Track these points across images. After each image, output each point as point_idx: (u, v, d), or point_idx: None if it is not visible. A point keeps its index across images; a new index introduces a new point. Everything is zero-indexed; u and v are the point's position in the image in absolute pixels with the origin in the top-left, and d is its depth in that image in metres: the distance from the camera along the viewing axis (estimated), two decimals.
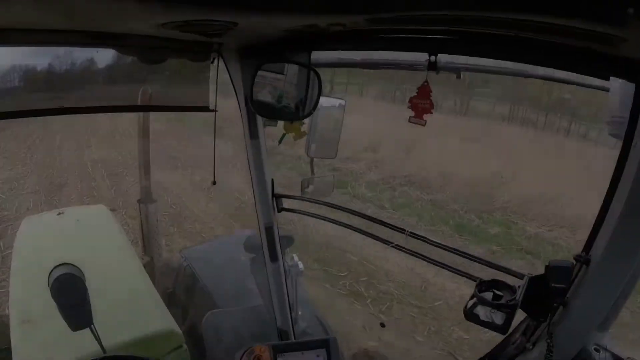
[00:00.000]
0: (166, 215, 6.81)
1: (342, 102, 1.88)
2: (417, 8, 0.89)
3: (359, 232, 1.63)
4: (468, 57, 1.23)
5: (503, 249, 6.41)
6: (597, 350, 1.12)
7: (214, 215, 7.23)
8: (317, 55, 1.50)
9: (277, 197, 1.82)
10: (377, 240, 1.54)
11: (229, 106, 1.74)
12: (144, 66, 1.65)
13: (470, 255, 1.31)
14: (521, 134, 10.84)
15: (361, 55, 1.58)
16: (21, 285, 2.56)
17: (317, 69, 1.48)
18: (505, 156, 8.90)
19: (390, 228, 1.51)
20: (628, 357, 1.11)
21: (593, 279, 1.04)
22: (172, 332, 2.01)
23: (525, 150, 9.22)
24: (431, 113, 1.26)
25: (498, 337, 1.21)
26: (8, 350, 2.38)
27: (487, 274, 1.22)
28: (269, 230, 1.83)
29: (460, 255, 1.33)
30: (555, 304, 1.08)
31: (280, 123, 1.73)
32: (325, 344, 1.69)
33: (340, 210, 1.73)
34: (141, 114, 3.59)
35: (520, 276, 1.14)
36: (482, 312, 1.12)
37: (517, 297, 1.09)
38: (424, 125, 1.26)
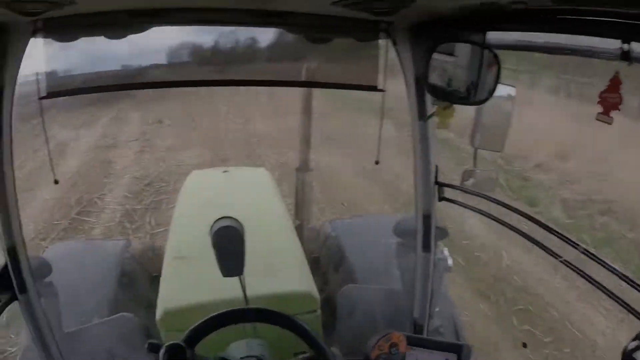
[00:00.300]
0: (319, 188, 6.88)
1: (512, 91, 1.68)
2: None
3: (529, 240, 1.48)
4: None
5: None
6: None
7: (367, 194, 7.10)
8: (492, 36, 1.36)
9: (440, 185, 1.75)
10: (546, 251, 1.37)
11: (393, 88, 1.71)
12: (309, 44, 1.69)
13: None
14: None
15: (541, 38, 1.38)
16: (180, 227, 2.87)
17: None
18: None
19: (565, 241, 1.32)
20: None
21: None
22: (310, 295, 2.09)
23: None
24: (619, 109, 1.11)
25: None
26: (157, 278, 2.69)
27: None
28: (427, 219, 1.78)
29: None
30: None
31: None
32: (458, 350, 1.59)
33: (507, 208, 1.58)
34: (304, 92, 3.81)
35: None
36: None
37: None
38: (610, 123, 1.12)
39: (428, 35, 1.45)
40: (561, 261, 1.36)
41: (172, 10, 1.37)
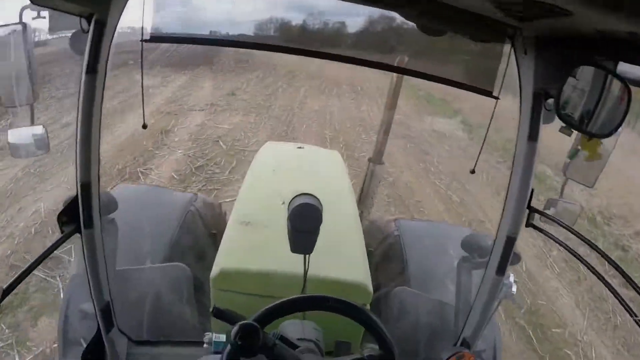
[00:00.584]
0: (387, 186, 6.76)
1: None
2: None
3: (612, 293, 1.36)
4: None
5: None
6: None
7: (435, 202, 6.81)
8: (624, 67, 1.25)
9: (532, 210, 1.66)
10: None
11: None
12: (415, 33, 1.64)
13: None
14: None
15: None
16: (250, 193, 2.90)
17: None
18: None
19: None
20: None
21: None
22: (365, 287, 2.08)
23: None
24: None
25: None
26: (215, 236, 2.81)
27: None
28: (510, 241, 1.69)
29: None
30: None
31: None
32: None
33: (606, 260, 1.46)
34: (393, 82, 3.74)
35: None
36: None
37: None
38: None
39: (559, 52, 1.35)
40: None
41: None
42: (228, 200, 5.21)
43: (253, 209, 2.62)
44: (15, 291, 1.23)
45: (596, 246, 1.53)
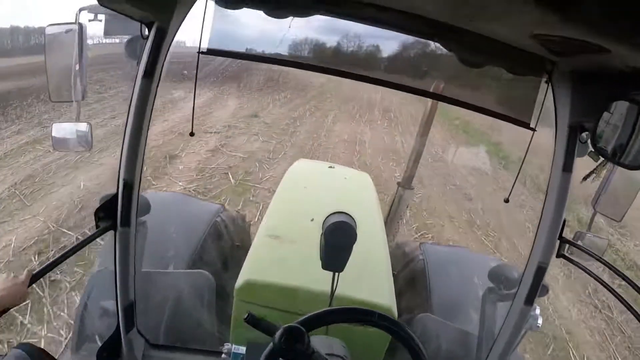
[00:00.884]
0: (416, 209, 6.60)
1: None
2: None
3: None
4: None
5: None
6: None
7: (467, 230, 6.60)
8: None
9: (564, 241, 1.63)
10: None
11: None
12: (452, 62, 1.63)
13: None
14: None
15: None
16: (280, 208, 2.90)
17: None
18: None
19: None
20: None
21: None
22: (390, 311, 2.02)
23: None
24: None
25: None
26: (240, 248, 2.85)
27: None
28: (540, 272, 1.65)
29: None
30: None
31: None
32: None
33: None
34: (427, 110, 3.72)
35: None
36: None
37: None
38: None
39: (595, 87, 1.35)
40: None
41: (341, 2, 1.43)
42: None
43: (282, 223, 2.61)
44: None
45: (628, 278, 1.46)
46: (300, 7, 1.46)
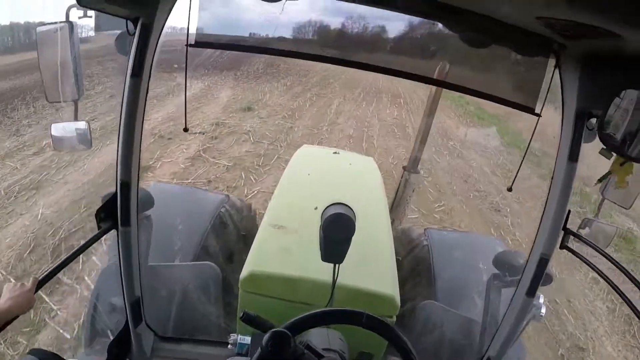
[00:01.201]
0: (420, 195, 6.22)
1: None
2: None
3: None
4: None
5: None
6: None
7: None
8: None
9: (568, 232, 1.60)
10: None
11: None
12: (457, 46, 1.61)
13: None
14: None
15: None
16: (283, 198, 2.90)
17: None
18: None
19: None
20: None
21: None
22: (392, 300, 2.03)
23: None
24: None
25: None
26: (245, 237, 2.86)
27: None
28: (542, 262, 1.64)
29: None
30: None
31: None
32: None
33: None
34: (432, 92, 3.64)
35: None
36: None
37: None
38: None
39: (604, 72, 1.30)
40: None
41: None
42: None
43: (286, 212, 2.62)
44: None
45: (628, 271, 1.44)
46: None
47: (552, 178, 1.57)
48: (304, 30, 1.66)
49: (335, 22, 1.67)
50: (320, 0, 1.60)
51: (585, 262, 1.60)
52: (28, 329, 3.33)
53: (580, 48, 1.33)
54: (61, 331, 3.34)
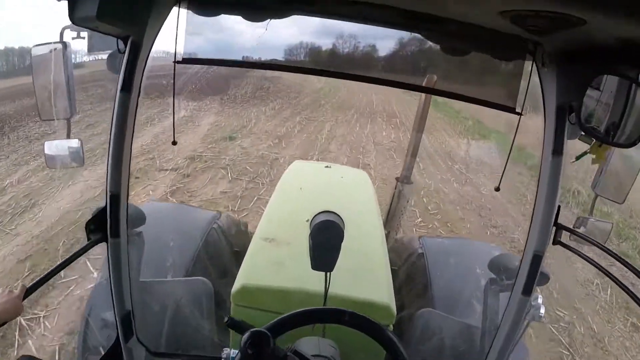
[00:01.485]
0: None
1: None
2: None
3: None
4: None
5: None
6: None
7: (464, 219, 6.35)
8: None
9: (559, 227, 1.61)
10: None
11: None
12: (439, 54, 1.66)
13: None
14: None
15: None
16: (276, 210, 2.92)
17: None
18: None
19: None
20: None
21: None
22: (388, 308, 2.02)
23: None
24: None
25: None
26: (238, 253, 2.84)
27: None
28: (536, 260, 1.63)
29: None
30: None
31: None
32: None
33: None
34: (421, 103, 3.71)
35: None
36: None
37: None
38: None
39: (579, 64, 1.33)
40: None
41: (314, 0, 1.43)
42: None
43: (278, 226, 2.63)
44: None
45: (628, 262, 1.45)
46: (276, 8, 1.47)
47: (539, 175, 1.59)
48: (292, 45, 1.70)
49: (319, 38, 1.70)
50: (302, 20, 1.64)
51: (580, 256, 1.60)
52: None
53: (554, 43, 1.38)
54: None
